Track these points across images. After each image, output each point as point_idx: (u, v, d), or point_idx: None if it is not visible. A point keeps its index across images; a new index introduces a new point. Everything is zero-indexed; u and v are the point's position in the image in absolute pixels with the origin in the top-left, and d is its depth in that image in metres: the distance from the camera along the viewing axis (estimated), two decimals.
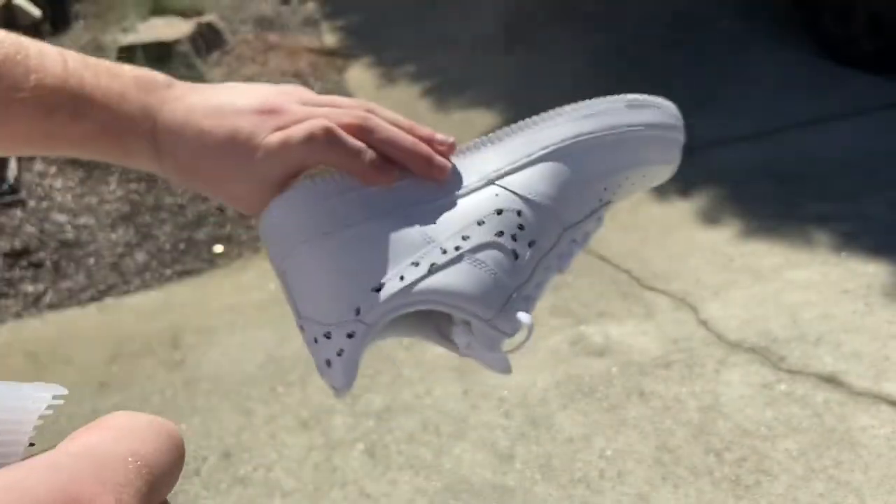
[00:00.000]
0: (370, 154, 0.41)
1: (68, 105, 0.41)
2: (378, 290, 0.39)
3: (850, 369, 1.66)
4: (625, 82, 3.54)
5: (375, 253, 0.40)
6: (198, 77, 3.12)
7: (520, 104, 3.17)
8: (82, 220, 2.61)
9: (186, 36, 3.46)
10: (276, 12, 4.62)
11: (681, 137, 0.48)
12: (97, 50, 3.68)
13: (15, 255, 2.42)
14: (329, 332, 0.39)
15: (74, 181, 2.81)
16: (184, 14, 3.81)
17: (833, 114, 2.81)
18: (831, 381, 1.64)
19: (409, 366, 1.79)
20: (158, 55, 3.17)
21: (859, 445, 1.48)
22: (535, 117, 0.45)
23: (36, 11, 3.66)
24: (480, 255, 0.41)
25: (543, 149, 0.44)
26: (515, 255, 0.42)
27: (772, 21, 3.64)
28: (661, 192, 2.45)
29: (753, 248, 2.13)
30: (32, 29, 3.70)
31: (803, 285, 1.95)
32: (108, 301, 2.24)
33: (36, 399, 0.17)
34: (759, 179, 2.47)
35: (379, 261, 0.39)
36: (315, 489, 1.49)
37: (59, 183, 2.79)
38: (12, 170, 2.72)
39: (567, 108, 0.46)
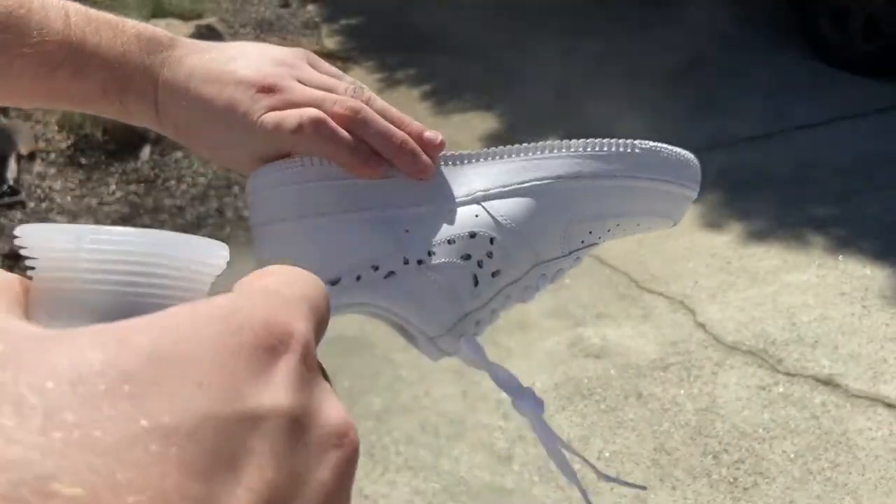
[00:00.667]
0: (358, 147, 0.41)
1: (70, 62, 0.41)
2: (333, 283, 0.39)
3: (847, 371, 1.67)
4: (624, 85, 3.56)
5: (341, 246, 0.40)
6: None
7: (519, 108, 3.18)
8: (82, 222, 2.62)
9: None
10: (275, 15, 4.63)
11: (690, 193, 0.45)
12: None
13: (15, 257, 2.42)
14: None
15: (74, 183, 2.82)
16: (183, 17, 3.82)
17: (829, 117, 2.82)
18: (828, 383, 1.65)
19: (407, 367, 1.79)
20: None
21: (856, 447, 1.48)
22: (540, 143, 0.43)
23: None
24: (441, 274, 0.40)
25: (538, 180, 0.42)
26: (476, 281, 0.41)
27: (769, 25, 3.66)
28: None
29: (751, 251, 2.14)
30: None
31: (801, 288, 1.96)
32: None
33: (215, 256, 0.19)
34: (757, 182, 2.48)
35: (342, 255, 0.39)
36: None
37: (58, 184, 2.79)
38: (12, 171, 2.72)
39: (575, 142, 0.43)
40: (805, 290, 1.95)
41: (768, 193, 2.40)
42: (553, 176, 0.42)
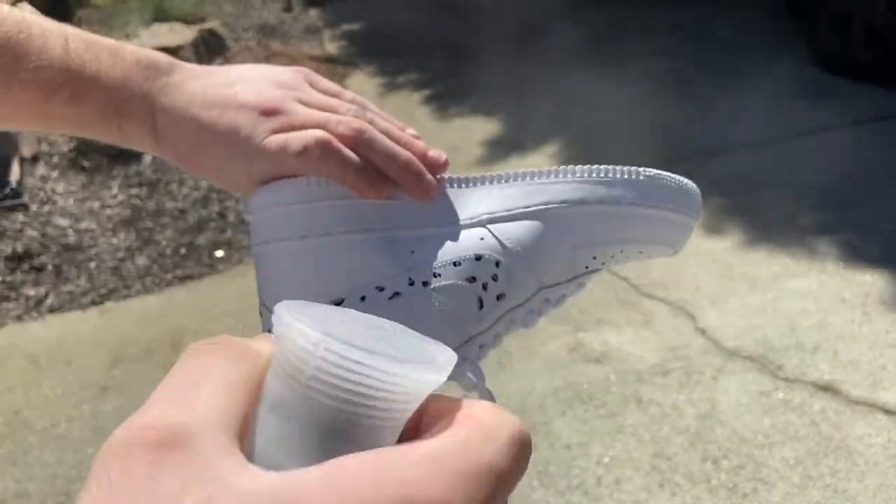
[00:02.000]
0: (364, 168, 0.41)
1: (68, 88, 0.41)
2: (337, 304, 0.38)
3: (846, 378, 1.67)
4: (624, 90, 3.57)
5: (345, 267, 0.39)
6: None
7: (520, 112, 3.19)
8: (84, 225, 2.62)
9: (189, 42, 3.48)
10: (278, 20, 4.65)
11: (692, 222, 0.45)
12: None
13: (17, 259, 2.43)
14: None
15: (76, 186, 2.83)
16: (186, 21, 3.83)
17: (830, 124, 2.82)
18: (828, 389, 1.65)
19: None
20: None
21: (856, 454, 1.48)
22: (544, 168, 0.43)
23: None
24: (446, 297, 0.40)
25: (543, 204, 0.42)
26: (481, 304, 0.40)
27: (770, 31, 3.66)
28: None
29: (752, 257, 2.14)
30: None
31: (801, 294, 1.96)
32: (109, 305, 2.25)
33: (440, 370, 0.19)
34: (757, 189, 2.48)
35: (346, 275, 0.39)
36: None
37: (61, 187, 2.80)
38: (15, 174, 2.73)
39: (580, 168, 0.43)
40: (805, 296, 1.95)
41: (769, 199, 2.41)
42: (558, 201, 0.42)
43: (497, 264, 0.41)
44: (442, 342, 0.39)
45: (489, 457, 0.18)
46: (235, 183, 0.43)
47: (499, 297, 0.41)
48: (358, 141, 0.41)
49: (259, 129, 0.41)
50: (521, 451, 0.19)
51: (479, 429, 0.19)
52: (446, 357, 0.20)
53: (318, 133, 0.41)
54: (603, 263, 0.44)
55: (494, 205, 0.42)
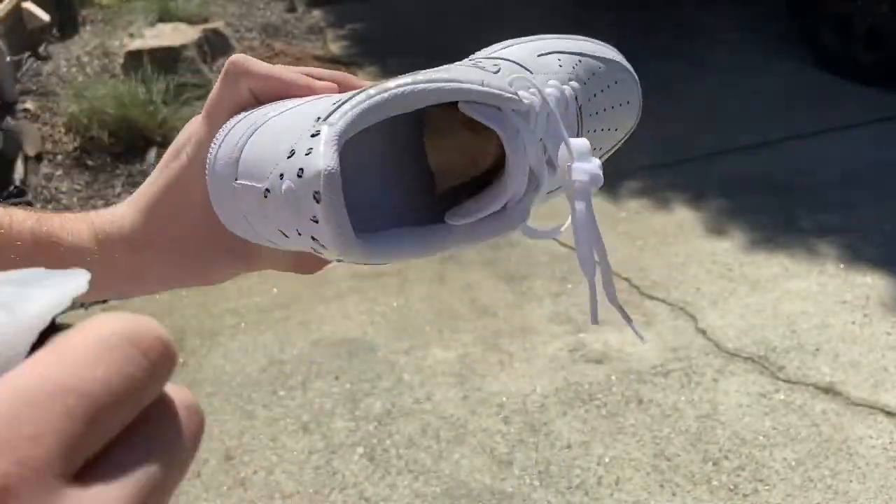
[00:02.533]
0: (298, 72, 0.39)
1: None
2: (336, 101, 0.34)
3: (847, 379, 1.67)
4: None
5: (332, 97, 0.36)
6: (204, 83, 3.14)
7: None
8: None
9: (193, 42, 3.49)
10: (281, 20, 4.65)
11: (630, 69, 0.48)
12: (104, 55, 3.71)
13: None
14: (293, 151, 0.33)
15: (80, 184, 2.84)
16: (190, 20, 3.84)
17: (832, 126, 2.83)
18: (829, 391, 1.65)
19: (409, 371, 1.80)
20: (165, 61, 3.20)
21: (856, 455, 1.49)
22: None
23: (44, 16, 3.70)
24: (455, 65, 0.39)
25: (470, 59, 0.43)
26: (497, 70, 0.39)
27: (771, 33, 3.66)
28: (661, 201, 2.47)
29: (752, 258, 2.14)
30: (40, 33, 3.74)
31: (802, 295, 1.97)
32: (113, 303, 2.26)
33: (40, 314, 0.17)
34: (758, 190, 2.48)
35: (336, 97, 0.35)
36: (315, 492, 1.51)
37: (65, 185, 2.81)
38: (19, 172, 2.74)
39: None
40: (806, 297, 1.96)
41: (770, 201, 2.41)
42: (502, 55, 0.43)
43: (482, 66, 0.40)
44: (479, 75, 0.36)
45: (60, 379, 0.15)
46: (192, 224, 0.40)
47: (495, 64, 0.40)
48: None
49: (193, 134, 0.39)
50: (117, 357, 0.16)
51: (60, 350, 0.16)
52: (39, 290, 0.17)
53: (234, 55, 0.39)
54: (572, 71, 0.43)
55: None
